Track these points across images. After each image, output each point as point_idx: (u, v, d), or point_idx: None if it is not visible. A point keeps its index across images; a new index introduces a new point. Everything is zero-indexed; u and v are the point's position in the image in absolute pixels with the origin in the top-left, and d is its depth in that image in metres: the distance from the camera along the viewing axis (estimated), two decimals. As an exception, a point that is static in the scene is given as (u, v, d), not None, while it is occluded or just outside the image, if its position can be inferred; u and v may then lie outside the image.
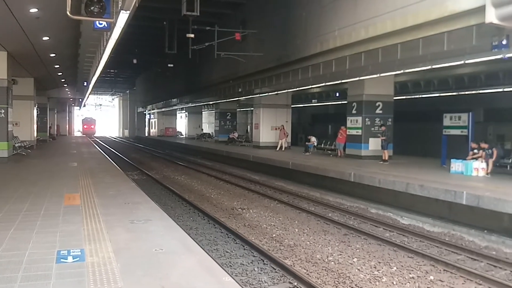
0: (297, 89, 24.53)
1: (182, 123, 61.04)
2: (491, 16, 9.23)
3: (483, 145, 14.71)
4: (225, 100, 34.59)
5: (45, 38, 16.91)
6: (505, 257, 8.55)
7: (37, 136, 30.28)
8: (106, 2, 8.77)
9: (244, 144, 33.20)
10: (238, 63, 24.97)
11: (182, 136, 57.47)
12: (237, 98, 32.76)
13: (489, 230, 10.14)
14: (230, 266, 7.94)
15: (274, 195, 15.46)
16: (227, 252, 8.80)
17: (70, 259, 5.48)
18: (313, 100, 36.44)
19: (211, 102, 40.13)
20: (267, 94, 26.20)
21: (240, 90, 28.44)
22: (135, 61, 38.78)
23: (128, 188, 11.94)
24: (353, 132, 20.75)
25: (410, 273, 7.70)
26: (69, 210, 8.44)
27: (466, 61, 13.32)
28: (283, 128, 27.04)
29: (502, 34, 10.36)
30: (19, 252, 5.76)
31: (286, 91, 25.05)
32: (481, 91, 22.60)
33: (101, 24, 10.76)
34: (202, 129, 50.58)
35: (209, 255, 6.52)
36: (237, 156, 25.59)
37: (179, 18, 21.17)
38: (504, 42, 10.40)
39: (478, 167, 14.34)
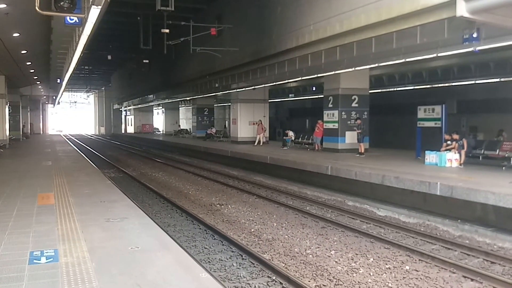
0: (274, 83, 24.56)
1: (159, 119, 60.52)
2: (462, 10, 9.35)
3: (455, 136, 14.95)
4: (202, 96, 34.40)
5: (16, 35, 16.58)
6: (478, 246, 8.74)
7: (9, 135, 29.69)
8: (76, -3, 8.62)
9: (222, 140, 33.14)
10: (214, 58, 24.85)
11: (159, 133, 57.03)
12: (214, 94, 32.66)
13: (462, 219, 10.32)
14: (209, 262, 7.92)
15: (253, 190, 15.47)
16: (205, 248, 8.77)
17: (43, 259, 5.38)
18: (290, 95, 36.54)
19: (188, 98, 39.91)
20: (244, 89, 26.14)
21: (217, 85, 28.33)
22: (109, 57, 38.24)
23: (104, 186, 11.80)
24: (330, 125, 20.87)
25: (386, 264, 7.80)
26: (43, 210, 8.28)
27: (439, 54, 13.50)
28: (261, 123, 27.04)
29: (472, 27, 10.52)
30: (-9, 253, 5.63)
31: (263, 85, 25.04)
32: (454, 84, 22.97)
33: (72, 19, 10.59)
34: (180, 125, 50.27)
35: (187, 252, 6.49)
36: (215, 151, 25.51)
37: (154, 13, 20.95)
38: (474, 35, 10.57)
39: (451, 158, 14.57)
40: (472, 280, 7.06)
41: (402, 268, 7.59)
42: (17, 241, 6.21)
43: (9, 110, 30.45)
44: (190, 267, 5.34)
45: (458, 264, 7.58)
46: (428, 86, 24.30)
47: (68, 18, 10.54)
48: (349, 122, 20.20)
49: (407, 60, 14.54)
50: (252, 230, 10.21)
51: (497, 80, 20.79)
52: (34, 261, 5.33)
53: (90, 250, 5.78)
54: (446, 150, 14.97)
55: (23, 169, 15.66)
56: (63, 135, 60.91)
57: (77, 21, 10.77)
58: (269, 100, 30.10)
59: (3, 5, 12.28)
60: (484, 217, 10.11)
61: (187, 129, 46.70)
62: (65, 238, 6.33)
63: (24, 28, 15.87)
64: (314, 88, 31.88)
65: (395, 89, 26.48)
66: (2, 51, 19.35)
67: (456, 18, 9.93)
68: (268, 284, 6.87)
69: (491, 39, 11.36)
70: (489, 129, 20.40)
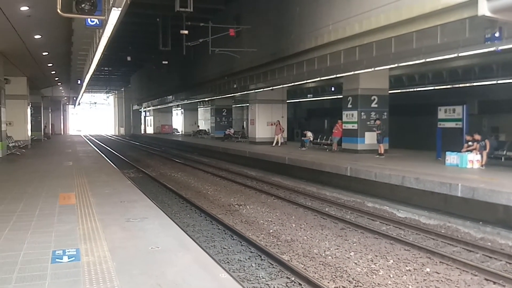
0: (292, 84, 24.49)
1: (178, 120, 60.91)
2: (484, 9, 9.21)
3: (477, 137, 14.75)
4: (220, 97, 34.52)
5: (37, 37, 16.83)
6: (500, 248, 8.59)
7: (31, 135, 30.17)
8: (97, -1, 8.73)
9: (240, 140, 33.19)
10: (233, 59, 24.92)
11: (178, 133, 57.38)
12: (232, 94, 32.72)
13: (484, 221, 10.17)
14: (228, 262, 7.94)
15: (271, 190, 15.45)
16: (224, 248, 8.80)
17: (65, 259, 5.46)
18: (308, 95, 36.40)
19: (206, 99, 40.08)
20: (262, 89, 26.13)
21: (235, 86, 28.41)
22: (129, 58, 38.68)
23: (124, 186, 11.91)
24: (349, 126, 20.74)
25: (406, 266, 7.72)
26: (64, 210, 8.40)
27: (460, 54, 13.31)
28: (279, 124, 27.01)
29: (494, 26, 10.37)
30: (14, 253, 5.73)
31: (281, 86, 24.98)
32: (475, 84, 22.63)
33: (93, 21, 10.71)
34: (198, 126, 50.51)
35: (206, 252, 6.50)
36: (233, 152, 25.57)
37: (173, 14, 21.11)
38: (496, 34, 10.41)
39: (472, 159, 14.37)
40: (494, 283, 6.95)
41: (422, 270, 7.50)
42: (39, 240, 6.31)
43: (31, 111, 30.92)
44: (209, 267, 5.36)
45: (479, 266, 7.47)
46: (448, 86, 23.98)
47: (89, 20, 10.68)
48: (368, 123, 20.05)
49: (427, 60, 14.38)
50: (271, 231, 10.21)
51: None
52: (57, 260, 5.41)
53: (111, 249, 5.84)
54: (467, 151, 14.78)
55: (44, 169, 15.91)
56: (83, 135, 61.65)
57: (98, 23, 10.90)
58: (287, 101, 30.04)
59: (25, 8, 12.49)
60: (506, 219, 9.94)
61: (205, 130, 46.91)
62: (86, 238, 6.41)
63: (45, 30, 16.11)
64: (333, 89, 31.71)
65: (415, 89, 26.19)
66: (24, 53, 19.67)
67: (478, 17, 9.78)
68: (287, 285, 6.86)
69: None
70: (511, 129, 20.07)
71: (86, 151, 26.18)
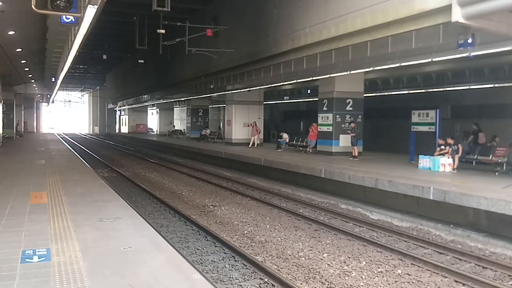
0: (269, 86, 24.58)
1: (153, 119, 60.40)
2: (457, 15, 9.41)
3: (449, 141, 15.02)
4: (197, 97, 34.38)
5: (11, 33, 16.51)
6: (470, 251, 8.78)
7: (3, 133, 29.54)
8: (73, -4, 8.60)
9: (216, 141, 33.09)
10: (210, 60, 24.84)
11: (153, 133, 56.90)
12: (209, 95, 32.63)
13: (455, 224, 10.37)
14: (201, 263, 7.92)
15: (246, 191, 15.46)
16: (198, 249, 8.77)
17: (35, 258, 5.36)
18: (285, 97, 36.58)
19: (182, 99, 39.84)
20: (239, 90, 26.13)
21: (212, 86, 28.33)
22: (105, 56, 38.20)
23: (97, 186, 11.76)
24: (324, 128, 20.90)
25: (378, 267, 7.82)
26: (36, 209, 8.25)
27: (434, 59, 13.55)
28: (255, 125, 27.04)
29: (467, 32, 10.58)
30: (-18, 252, 5.60)
31: (258, 87, 25.03)
32: (448, 89, 23.09)
33: (68, 18, 10.55)
34: (174, 126, 50.19)
35: (179, 253, 6.47)
36: (209, 153, 25.49)
37: (150, 13, 20.95)
38: (469, 40, 10.63)
39: (445, 162, 14.63)
40: (463, 284, 7.09)
41: (394, 272, 7.61)
42: (9, 240, 6.18)
43: (3, 108, 30.28)
44: (182, 268, 5.34)
45: (450, 268, 7.61)
46: (422, 91, 24.39)
47: (64, 17, 10.51)
48: (343, 126, 20.23)
49: (402, 64, 14.59)
50: (245, 232, 10.21)
51: (491, 85, 20.92)
52: (26, 260, 5.31)
53: (83, 249, 5.76)
54: (440, 154, 15.04)
55: (16, 167, 15.58)
56: (57, 134, 60.57)
57: (73, 20, 10.74)
58: (264, 102, 30.10)
59: (-1, 3, 12.27)
60: (476, 222, 10.16)
61: (181, 130, 46.63)
62: (57, 237, 6.31)
63: (19, 26, 15.83)
64: (309, 91, 31.94)
65: (389, 93, 26.57)
66: (-4, 48, 19.29)
67: (451, 24, 9.99)
68: (260, 286, 6.88)
69: (486, 45, 11.42)
70: (484, 132, 20.50)
71: (59, 149, 25.75)
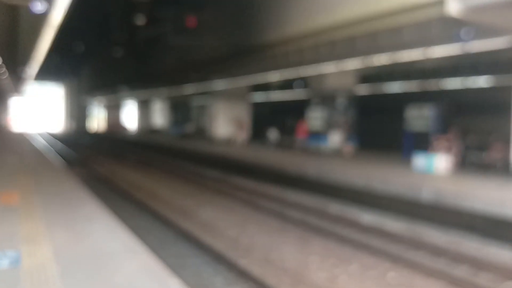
0: (255, 79, 24.62)
1: (131, 116, 60.03)
2: (451, 9, 9.57)
3: (445, 138, 15.21)
4: (178, 91, 34.30)
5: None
6: (465, 253, 8.88)
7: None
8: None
9: (200, 138, 33.06)
10: (192, 51, 24.81)
11: (131, 131, 56.55)
12: (191, 88, 32.58)
13: (448, 226, 10.51)
14: (181, 267, 7.95)
15: (232, 192, 15.49)
16: (178, 252, 8.80)
17: (4, 262, 5.35)
18: (273, 93, 36.62)
19: (163, 94, 39.74)
20: (223, 85, 26.15)
21: (194, 79, 28.26)
22: (80, 48, 37.95)
23: (72, 186, 11.71)
24: (315, 125, 21.01)
25: (369, 271, 7.92)
26: (5, 210, 8.21)
27: (428, 53, 13.72)
28: (241, 121, 27.08)
29: (461, 26, 10.75)
30: None
31: (243, 80, 25.08)
32: (443, 85, 23.30)
33: (38, 7, 10.45)
34: (155, 123, 50.03)
35: (156, 257, 6.50)
36: (190, 152, 25.45)
37: (130, 2, 20.87)
38: (463, 35, 10.80)
39: (439, 160, 14.80)
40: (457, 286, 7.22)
41: (385, 276, 7.72)
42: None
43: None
44: (159, 272, 5.36)
45: (444, 271, 7.74)
46: (417, 88, 24.59)
47: (33, 5, 10.41)
48: (334, 122, 20.37)
49: (396, 58, 14.74)
50: (230, 234, 10.26)
51: (488, 82, 21.17)
52: (-5, 263, 5.30)
53: (55, 252, 5.76)
54: (435, 152, 15.21)
55: None
56: (28, 131, 59.84)
57: (44, 9, 10.65)
58: (251, 98, 30.14)
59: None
60: (471, 224, 10.32)
61: (161, 128, 46.45)
62: (28, 240, 6.30)
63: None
64: (298, 87, 32.00)
65: (383, 89, 26.75)
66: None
67: (446, 17, 10.15)
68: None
69: (480, 39, 11.61)
70: (480, 132, 20.73)
71: (31, 148, 25.48)
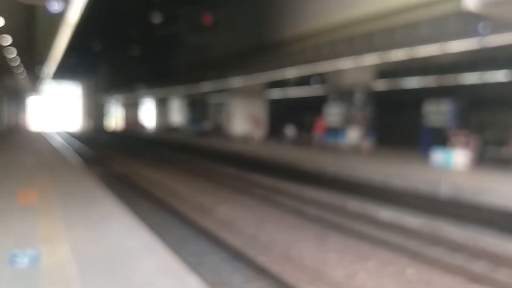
0: (273, 76, 24.52)
1: (149, 114, 60.39)
2: (468, 3, 9.42)
3: (464, 134, 15.01)
4: (196, 88, 34.35)
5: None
6: (484, 249, 8.74)
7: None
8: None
9: (217, 136, 33.09)
10: (209, 49, 24.83)
11: (150, 128, 56.89)
12: (209, 86, 32.62)
13: (468, 221, 10.36)
14: (200, 265, 7.92)
15: (249, 189, 15.45)
16: (197, 250, 8.78)
17: (24, 261, 5.37)
18: (290, 90, 36.49)
19: (181, 92, 39.85)
20: (240, 82, 26.09)
21: (212, 78, 28.29)
22: (97, 47, 38.20)
23: (90, 184, 11.77)
24: (333, 122, 20.87)
25: (388, 267, 7.83)
26: (24, 209, 8.27)
27: (445, 48, 13.52)
28: (257, 119, 27.03)
29: (478, 20, 10.59)
30: (-33, 254, 5.62)
31: (261, 77, 24.99)
32: (462, 80, 23.00)
33: (55, 6, 10.51)
34: (173, 121, 50.24)
35: (175, 254, 6.48)
36: (208, 148, 25.49)
37: (145, 0, 20.93)
38: (480, 28, 10.64)
39: (458, 156, 14.61)
40: (477, 283, 7.10)
41: (404, 272, 7.62)
42: (-5, 241, 6.20)
43: None
44: (178, 270, 5.34)
45: (462, 267, 7.63)
46: (434, 83, 24.31)
47: (51, 5, 10.48)
48: (352, 118, 20.21)
49: (413, 54, 14.57)
50: (248, 231, 10.23)
51: (506, 76, 20.84)
52: (14, 262, 5.33)
53: (74, 251, 5.77)
54: (454, 147, 15.01)
55: (2, 164, 15.60)
56: (46, 130, 60.48)
57: (61, 8, 10.71)
58: (268, 95, 30.05)
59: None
60: (490, 219, 10.15)
61: (179, 125, 46.64)
62: (47, 238, 6.32)
63: (6, 16, 15.81)
64: (315, 83, 31.84)
65: (400, 84, 26.49)
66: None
67: (463, 11, 9.99)
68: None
69: (499, 33, 11.40)
70: (498, 127, 20.44)
71: (49, 146, 25.75)
